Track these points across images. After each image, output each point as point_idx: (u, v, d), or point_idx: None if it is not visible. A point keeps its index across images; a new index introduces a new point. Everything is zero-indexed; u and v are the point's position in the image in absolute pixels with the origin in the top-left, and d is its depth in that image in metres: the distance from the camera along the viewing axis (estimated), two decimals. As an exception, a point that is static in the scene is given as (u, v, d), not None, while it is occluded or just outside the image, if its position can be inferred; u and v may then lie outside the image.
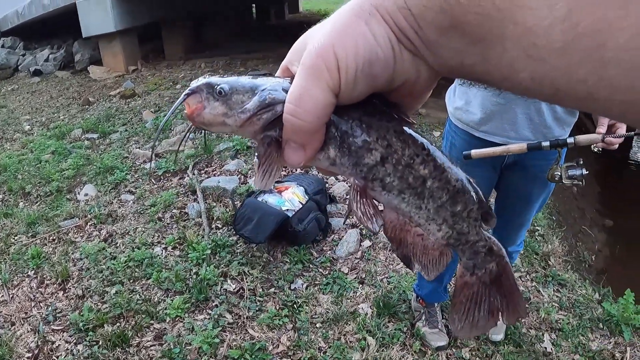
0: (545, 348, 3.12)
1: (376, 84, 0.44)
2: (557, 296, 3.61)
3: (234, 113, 0.49)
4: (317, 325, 3.18)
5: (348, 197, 0.52)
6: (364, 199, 0.50)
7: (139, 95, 7.88)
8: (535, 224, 4.46)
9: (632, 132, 2.10)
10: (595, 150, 2.17)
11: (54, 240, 4.35)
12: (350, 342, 3.04)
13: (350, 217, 4.01)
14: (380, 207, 0.52)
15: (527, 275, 3.78)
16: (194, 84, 0.51)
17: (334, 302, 3.36)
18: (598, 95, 0.34)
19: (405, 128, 0.49)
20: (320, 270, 3.66)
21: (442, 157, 0.50)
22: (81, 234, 4.39)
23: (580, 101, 0.36)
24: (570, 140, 2.11)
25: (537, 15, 0.34)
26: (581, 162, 2.15)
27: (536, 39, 0.35)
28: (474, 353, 3.02)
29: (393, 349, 2.96)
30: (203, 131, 0.55)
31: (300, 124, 0.44)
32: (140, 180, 5.13)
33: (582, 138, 2.09)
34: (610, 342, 3.23)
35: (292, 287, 3.51)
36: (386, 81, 0.44)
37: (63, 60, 10.37)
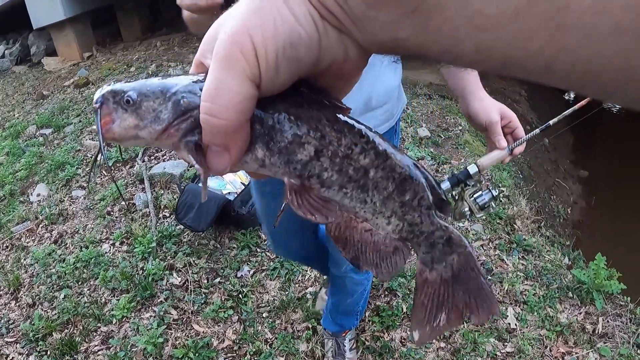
0: (509, 324, 2.93)
1: (301, 69, 0.38)
2: (522, 264, 3.40)
3: (147, 124, 0.42)
4: (264, 315, 3.01)
5: (286, 199, 0.45)
6: (306, 197, 0.44)
7: (93, 82, 7.56)
8: (500, 185, 4.24)
9: (537, 129, 1.64)
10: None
11: (7, 247, 4.17)
12: (298, 331, 2.86)
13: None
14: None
15: (490, 243, 3.56)
16: (98, 93, 0.44)
17: (281, 288, 3.18)
18: (557, 66, 0.30)
19: (339, 115, 0.44)
20: (268, 254, 3.46)
21: (384, 144, 0.45)
22: (33, 238, 4.21)
23: (536, 74, 0.32)
24: (473, 170, 1.61)
25: None
26: (482, 181, 1.66)
27: (483, 6, 0.30)
28: (430, 334, 2.84)
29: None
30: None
31: (220, 124, 0.38)
32: (92, 173, 4.92)
33: (487, 161, 1.60)
34: (580, 313, 3.03)
35: (239, 275, 3.32)
36: (312, 64, 0.39)
37: (19, 54, 10.01)
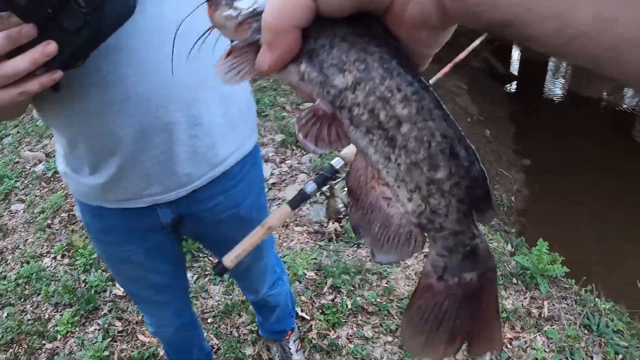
0: (455, 318, 2.97)
1: None
2: (466, 255, 3.44)
3: (233, 18, 0.48)
4: (209, 320, 2.96)
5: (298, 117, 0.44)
6: (327, 126, 0.43)
7: (31, 92, 7.33)
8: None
9: None
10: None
11: (-51, 269, 4.02)
12: (244, 334, 2.83)
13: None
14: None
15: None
16: None
17: (225, 292, 3.13)
18: None
19: (397, 59, 0.40)
20: (210, 258, 3.40)
21: (434, 104, 0.39)
22: (-26, 256, 4.07)
23: None
24: (339, 163, 1.46)
25: None
26: (337, 168, 1.48)
27: None
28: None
29: (287, 336, 2.76)
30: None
31: (271, 22, 0.41)
32: (31, 185, 4.78)
33: (351, 150, 1.39)
34: (525, 298, 3.09)
35: (183, 282, 3.26)
36: None
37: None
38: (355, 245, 3.41)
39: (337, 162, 1.45)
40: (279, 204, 3.72)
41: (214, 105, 1.40)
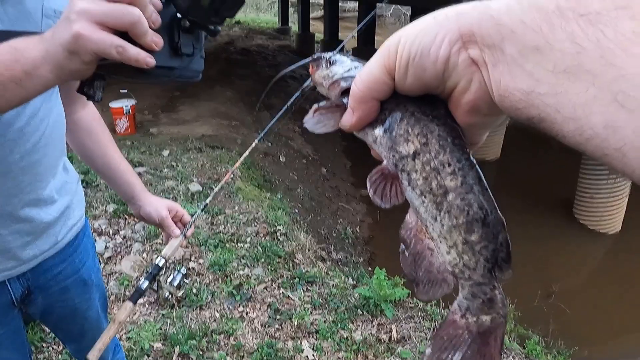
0: (307, 356, 3.02)
1: (426, 79, 0.46)
2: (308, 296, 3.54)
3: (329, 77, 0.59)
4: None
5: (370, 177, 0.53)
6: (388, 184, 0.52)
7: None
8: (276, 224, 4.39)
9: (199, 210, 1.77)
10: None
11: None
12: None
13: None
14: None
15: (273, 284, 3.66)
16: (319, 54, 0.62)
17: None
18: None
19: (451, 138, 0.49)
20: (54, 347, 3.13)
21: (475, 180, 0.49)
22: None
23: None
24: (162, 262, 1.63)
25: None
26: (170, 266, 1.75)
27: (633, 90, 0.32)
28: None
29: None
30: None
31: (356, 92, 0.50)
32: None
33: (169, 250, 1.66)
34: (373, 326, 3.24)
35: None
36: (435, 78, 0.45)
37: None
38: (198, 308, 3.38)
39: (160, 261, 1.66)
40: (117, 277, 3.61)
41: (60, 173, 1.54)
